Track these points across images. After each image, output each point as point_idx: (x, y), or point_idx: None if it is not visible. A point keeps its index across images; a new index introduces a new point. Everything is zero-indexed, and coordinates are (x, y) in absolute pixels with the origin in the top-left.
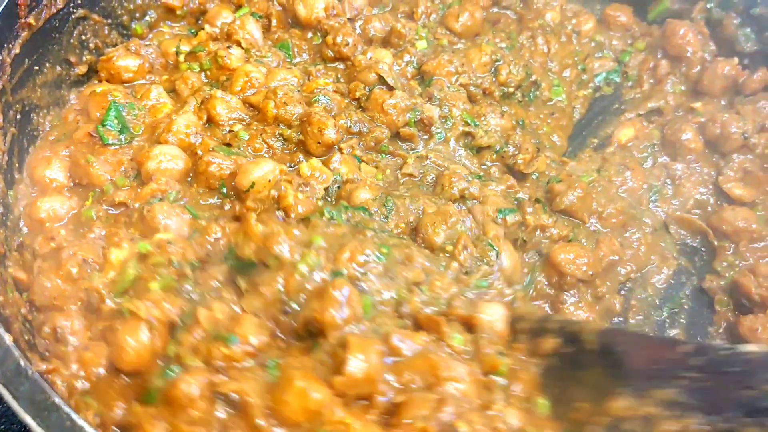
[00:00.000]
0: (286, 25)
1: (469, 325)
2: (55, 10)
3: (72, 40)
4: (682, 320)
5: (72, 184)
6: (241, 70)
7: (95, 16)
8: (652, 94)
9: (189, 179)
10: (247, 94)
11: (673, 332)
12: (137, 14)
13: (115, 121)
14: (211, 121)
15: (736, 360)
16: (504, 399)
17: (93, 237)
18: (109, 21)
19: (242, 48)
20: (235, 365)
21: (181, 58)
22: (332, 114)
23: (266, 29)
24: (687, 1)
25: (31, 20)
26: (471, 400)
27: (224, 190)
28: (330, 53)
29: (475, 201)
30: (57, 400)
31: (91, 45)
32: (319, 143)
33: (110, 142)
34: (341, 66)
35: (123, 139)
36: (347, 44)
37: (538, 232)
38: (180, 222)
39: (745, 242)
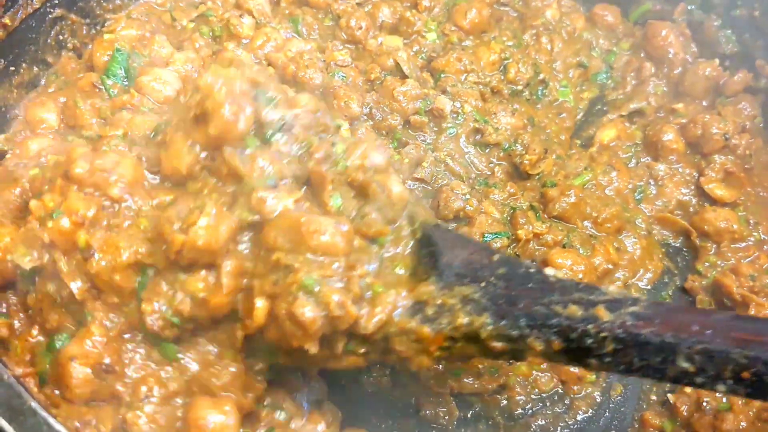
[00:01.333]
0: (297, 3)
1: (364, 193)
2: (31, 10)
3: (49, 41)
4: None
5: (63, 126)
6: (261, 31)
7: (73, 16)
8: (634, 95)
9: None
10: (266, 51)
11: None
12: (117, 13)
13: (120, 72)
14: None
15: (537, 279)
16: (377, 262)
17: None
18: (88, 21)
19: (254, 17)
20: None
21: (184, 22)
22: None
23: (275, 5)
24: (668, 2)
25: (6, 20)
26: (335, 255)
27: None
28: (343, 35)
29: (466, 220)
30: (33, 404)
31: (69, 45)
32: (345, 116)
33: (115, 94)
34: (351, 46)
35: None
36: (360, 28)
37: (531, 243)
38: (141, 121)
39: (727, 242)
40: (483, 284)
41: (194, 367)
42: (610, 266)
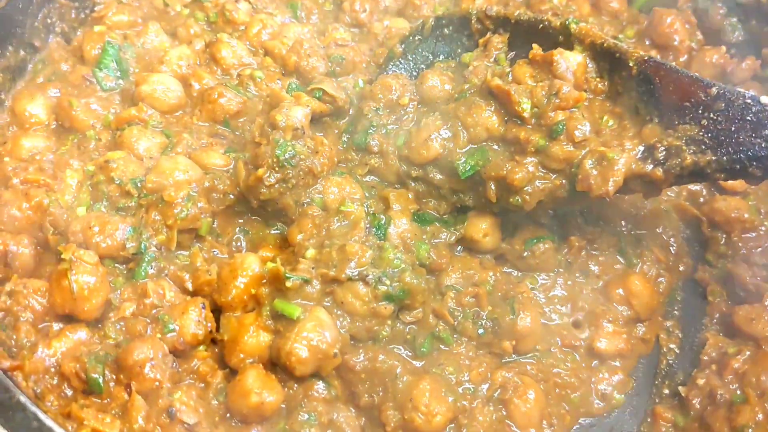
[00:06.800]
0: None
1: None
2: None
3: (36, 24)
4: (675, 312)
5: (54, 125)
6: (256, 18)
7: None
8: None
9: (181, 112)
10: (263, 39)
11: (667, 323)
12: None
13: (113, 64)
14: (215, 65)
15: (755, 110)
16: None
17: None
18: (77, 4)
19: (249, 3)
20: None
21: (178, 7)
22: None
23: None
24: None
25: None
26: None
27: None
28: (347, 19)
29: None
30: (22, 398)
31: (57, 29)
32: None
33: (108, 87)
34: (355, 30)
35: (121, 84)
36: (365, 10)
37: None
38: (149, 143)
39: (738, 232)
40: (704, 122)
41: None
42: None
